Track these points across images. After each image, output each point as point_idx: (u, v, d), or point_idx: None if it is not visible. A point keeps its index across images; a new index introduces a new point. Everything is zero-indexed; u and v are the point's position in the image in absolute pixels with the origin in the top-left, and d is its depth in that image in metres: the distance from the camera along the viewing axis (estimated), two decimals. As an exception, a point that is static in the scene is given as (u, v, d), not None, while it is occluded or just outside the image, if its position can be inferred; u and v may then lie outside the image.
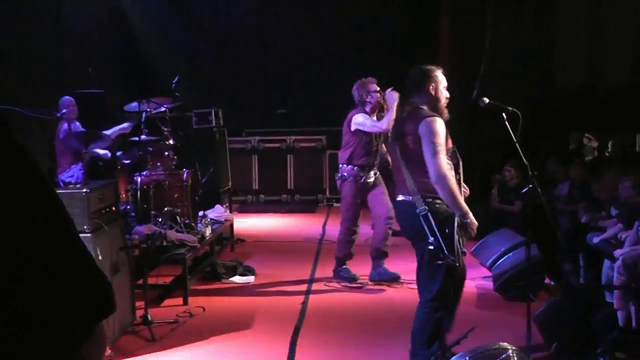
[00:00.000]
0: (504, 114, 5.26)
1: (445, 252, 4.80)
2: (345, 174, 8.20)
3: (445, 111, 5.18)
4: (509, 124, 5.10)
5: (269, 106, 15.19)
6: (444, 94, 5.17)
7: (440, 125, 4.91)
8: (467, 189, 5.34)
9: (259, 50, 14.94)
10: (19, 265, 1.59)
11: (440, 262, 4.85)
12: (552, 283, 8.07)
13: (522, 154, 5.12)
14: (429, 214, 4.86)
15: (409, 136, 4.99)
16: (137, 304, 6.63)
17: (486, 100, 5.20)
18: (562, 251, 8.19)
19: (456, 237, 4.80)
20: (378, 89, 8.16)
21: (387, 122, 7.60)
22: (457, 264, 4.86)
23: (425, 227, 4.86)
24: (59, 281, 1.65)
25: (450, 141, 5.06)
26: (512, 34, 13.54)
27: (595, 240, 7.66)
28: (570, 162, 10.20)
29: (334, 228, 11.70)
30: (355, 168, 8.14)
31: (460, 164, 5.36)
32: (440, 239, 4.81)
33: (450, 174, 4.86)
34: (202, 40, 14.79)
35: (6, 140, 1.64)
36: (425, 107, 5.07)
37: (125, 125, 9.40)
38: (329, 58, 14.77)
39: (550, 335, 5.79)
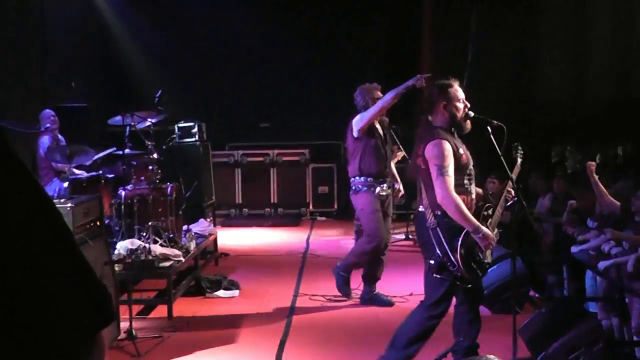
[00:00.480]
0: (488, 127, 5.30)
1: (452, 266, 4.88)
2: (360, 185, 7.69)
3: (465, 124, 5.23)
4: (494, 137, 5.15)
5: (252, 120, 15.20)
6: (459, 108, 5.19)
7: (447, 148, 4.98)
8: (512, 191, 5.40)
9: (242, 65, 14.94)
10: (18, 275, 1.58)
11: (441, 276, 4.95)
12: (537, 295, 8.10)
13: (507, 167, 5.16)
14: (437, 228, 4.95)
15: (419, 157, 5.11)
16: (122, 318, 6.59)
17: (471, 113, 5.23)
18: (546, 263, 8.22)
19: (462, 249, 4.85)
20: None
21: (381, 103, 7.50)
22: (467, 278, 4.94)
23: (433, 240, 4.96)
24: (59, 291, 1.64)
25: (465, 156, 5.12)
26: (496, 46, 13.65)
27: (574, 250, 7.70)
28: (552, 175, 10.24)
29: (318, 241, 11.80)
30: (369, 179, 7.65)
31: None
32: (449, 253, 4.88)
33: (455, 195, 4.90)
34: (185, 54, 14.78)
35: (4, 150, 1.64)
36: (440, 126, 5.15)
37: (110, 150, 9.38)
38: (311, 72, 14.79)
39: (536, 347, 5.80)
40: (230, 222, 14.03)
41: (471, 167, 5.21)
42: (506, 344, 5.60)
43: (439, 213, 4.97)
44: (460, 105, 5.18)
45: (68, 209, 5.78)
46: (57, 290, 1.63)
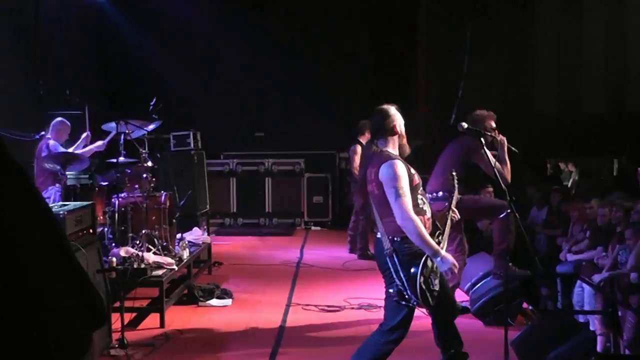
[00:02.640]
0: (482, 139, 5.32)
1: (407, 294, 4.85)
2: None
3: (407, 147, 5.23)
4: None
5: (247, 129, 15.19)
6: (402, 131, 5.20)
7: (400, 168, 4.95)
8: (457, 213, 5.39)
9: (239, 74, 14.95)
10: (14, 278, 1.60)
11: (401, 302, 4.93)
12: (530, 307, 8.10)
13: (500, 179, 5.17)
14: (394, 255, 4.91)
15: (372, 183, 5.07)
16: (114, 327, 6.57)
17: (465, 125, 5.25)
18: (539, 276, 8.23)
19: (421, 278, 4.82)
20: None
21: None
22: (422, 305, 4.90)
23: (391, 267, 4.93)
24: (53, 293, 1.66)
25: (416, 177, 5.09)
26: (490, 59, 13.69)
27: (570, 258, 7.70)
28: (548, 188, 10.27)
29: (312, 251, 11.78)
30: None
31: (456, 191, 5.46)
32: (404, 280, 4.85)
33: (415, 216, 4.86)
34: (182, 63, 14.78)
35: (4, 157, 1.66)
36: (388, 149, 5.12)
37: (99, 143, 9.40)
38: (307, 82, 14.80)
39: (528, 359, 5.81)
40: (224, 230, 14.02)
41: (422, 188, 5.19)
42: (498, 356, 5.60)
43: (397, 239, 4.92)
44: (403, 128, 5.19)
45: (61, 216, 5.78)
46: (51, 292, 1.64)
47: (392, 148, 5.14)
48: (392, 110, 5.21)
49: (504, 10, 14.11)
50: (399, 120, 5.18)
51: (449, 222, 5.33)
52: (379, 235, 5.12)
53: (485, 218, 8.73)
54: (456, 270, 5.10)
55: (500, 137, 7.42)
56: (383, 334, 5.16)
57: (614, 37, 14.44)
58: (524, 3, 14.43)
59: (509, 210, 5.33)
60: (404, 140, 5.20)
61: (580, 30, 14.63)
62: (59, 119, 9.19)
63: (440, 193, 7.21)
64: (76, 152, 8.97)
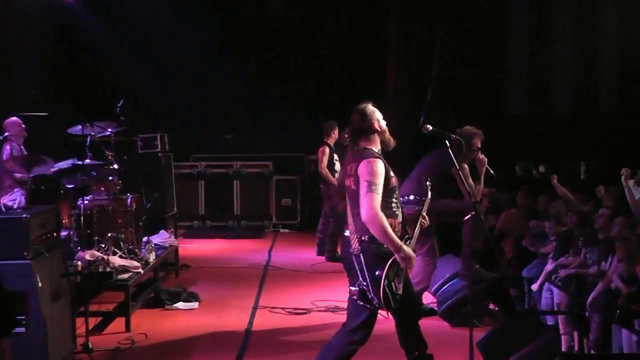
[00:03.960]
0: (447, 142, 5.33)
1: (370, 295, 4.86)
2: None
3: (391, 140, 5.23)
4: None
5: (216, 131, 15.12)
6: (383, 126, 5.20)
7: (379, 167, 4.95)
8: (427, 220, 5.41)
9: (207, 75, 14.87)
10: None
11: (364, 303, 4.93)
12: (497, 309, 8.14)
13: (464, 182, 5.18)
14: (361, 255, 4.92)
15: (350, 178, 5.06)
16: (78, 331, 6.51)
17: (430, 127, 5.25)
18: (506, 277, 8.27)
19: (385, 280, 4.82)
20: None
21: None
22: (384, 308, 4.91)
23: (356, 266, 4.94)
24: None
25: (394, 179, 5.10)
26: (460, 61, 13.72)
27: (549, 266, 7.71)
28: (516, 190, 10.30)
29: (280, 254, 11.75)
30: None
31: (428, 197, 5.58)
32: (368, 281, 4.86)
33: (381, 212, 4.86)
34: (149, 64, 14.67)
35: None
36: (371, 147, 5.11)
37: (68, 162, 9.25)
38: (276, 85, 14.77)
39: (493, 361, 5.83)
40: (193, 233, 13.94)
41: (397, 191, 5.20)
42: (463, 357, 5.61)
43: (365, 239, 4.93)
44: (384, 123, 5.19)
45: (23, 219, 5.72)
46: None
47: (374, 146, 5.14)
48: (370, 108, 5.20)
49: (474, 13, 14.15)
50: (377, 116, 5.17)
51: (418, 227, 5.34)
52: (347, 234, 5.11)
53: (452, 220, 8.76)
54: (414, 267, 5.11)
55: (482, 157, 7.52)
56: (346, 334, 5.17)
57: (584, 39, 14.51)
58: (495, 5, 14.47)
59: (473, 212, 5.33)
60: (387, 135, 5.19)
61: (551, 31, 14.69)
62: (14, 118, 9.05)
63: (412, 197, 7.25)
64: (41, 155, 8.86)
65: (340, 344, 5.18)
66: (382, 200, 4.92)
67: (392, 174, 5.07)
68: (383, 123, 5.19)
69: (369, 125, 5.13)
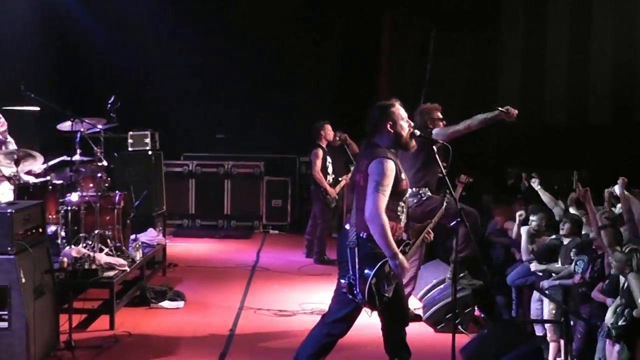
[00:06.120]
0: (434, 147, 5.33)
1: (356, 289, 4.85)
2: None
3: (411, 142, 5.19)
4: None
5: (207, 131, 15.10)
6: (404, 128, 5.14)
7: (390, 168, 4.92)
8: (432, 235, 5.43)
9: (199, 75, 14.85)
10: None
11: (349, 296, 4.95)
12: (482, 316, 8.14)
13: (450, 188, 5.18)
14: (356, 249, 4.91)
15: (360, 174, 5.05)
16: (62, 328, 6.48)
17: (417, 132, 5.24)
18: (492, 285, 8.27)
19: (374, 279, 4.83)
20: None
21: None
22: (367, 305, 4.93)
23: (349, 259, 4.92)
24: None
25: (405, 182, 5.09)
26: (454, 66, 13.74)
27: (534, 268, 7.70)
28: (508, 197, 10.31)
29: (269, 255, 11.73)
30: None
31: (442, 208, 5.72)
32: (357, 275, 4.87)
33: (384, 215, 4.84)
34: (141, 62, 14.65)
35: None
36: (386, 146, 5.08)
37: (60, 159, 9.18)
38: (269, 86, 14.75)
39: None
40: (182, 232, 13.92)
41: (407, 195, 5.20)
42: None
43: (363, 236, 4.92)
44: (405, 124, 5.14)
45: (8, 214, 5.70)
46: None
47: (390, 144, 5.11)
48: (391, 108, 5.16)
49: (468, 17, 14.16)
50: (394, 118, 5.11)
51: (420, 239, 5.34)
52: (347, 227, 5.11)
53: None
54: (407, 278, 5.12)
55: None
56: (325, 326, 5.23)
57: (578, 48, 14.55)
58: (489, 10, 14.49)
59: (458, 219, 5.32)
60: (403, 138, 5.12)
61: (544, 40, 14.72)
62: None
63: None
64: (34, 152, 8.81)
65: (319, 336, 5.24)
66: (389, 202, 4.91)
67: (403, 176, 5.06)
68: (404, 124, 5.14)
69: (384, 125, 5.10)
